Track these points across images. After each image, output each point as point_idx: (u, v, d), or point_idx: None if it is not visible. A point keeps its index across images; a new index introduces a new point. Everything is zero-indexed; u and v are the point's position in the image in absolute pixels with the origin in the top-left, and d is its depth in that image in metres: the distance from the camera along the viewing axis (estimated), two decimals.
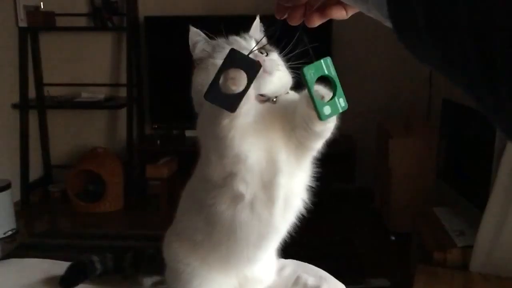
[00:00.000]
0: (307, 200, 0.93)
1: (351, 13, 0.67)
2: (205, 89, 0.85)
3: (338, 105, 0.74)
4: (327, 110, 0.73)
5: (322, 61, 0.72)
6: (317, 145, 0.88)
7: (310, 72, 0.71)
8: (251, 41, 0.92)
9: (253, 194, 0.86)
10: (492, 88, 0.38)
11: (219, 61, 0.87)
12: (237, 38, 0.93)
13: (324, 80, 0.75)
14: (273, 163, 0.85)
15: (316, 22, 0.67)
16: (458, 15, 0.40)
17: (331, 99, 0.75)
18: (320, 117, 0.73)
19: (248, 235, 0.90)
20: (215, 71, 0.85)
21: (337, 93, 0.74)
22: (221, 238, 0.91)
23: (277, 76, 0.88)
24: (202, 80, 0.89)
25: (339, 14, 0.66)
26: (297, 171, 0.89)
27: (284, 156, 0.86)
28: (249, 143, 0.82)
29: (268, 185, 0.86)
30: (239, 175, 0.84)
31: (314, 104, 0.72)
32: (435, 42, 0.43)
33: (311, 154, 0.90)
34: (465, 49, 0.39)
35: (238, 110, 0.76)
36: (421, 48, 0.46)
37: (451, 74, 0.44)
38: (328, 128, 0.84)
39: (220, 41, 0.93)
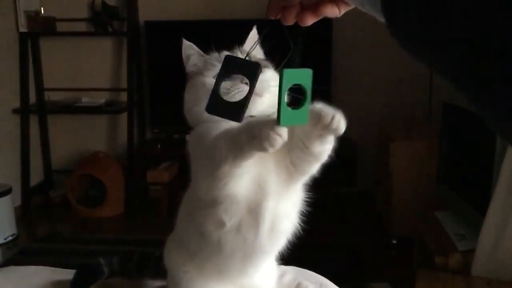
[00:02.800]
0: (297, 224, 0.92)
1: (343, 10, 0.66)
2: (200, 105, 0.83)
3: (299, 118, 0.69)
4: (288, 116, 0.68)
5: (304, 70, 0.68)
6: (313, 169, 0.84)
7: (289, 75, 0.67)
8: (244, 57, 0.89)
9: (239, 217, 0.85)
10: (485, 85, 0.38)
11: (208, 79, 0.86)
12: (227, 52, 0.90)
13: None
14: (262, 188, 0.84)
15: (309, 21, 0.66)
16: (452, 11, 0.39)
17: (295, 108, 0.69)
18: (280, 121, 0.67)
19: (234, 254, 0.90)
20: (204, 90, 0.82)
21: (305, 106, 0.68)
22: (212, 253, 0.91)
23: (267, 96, 0.85)
24: (191, 97, 0.88)
25: (332, 12, 0.66)
26: (286, 193, 0.87)
27: (273, 180, 0.84)
28: (240, 185, 0.81)
29: (255, 209, 0.85)
30: (223, 205, 0.83)
31: (279, 105, 0.66)
32: (429, 37, 0.43)
33: (304, 179, 0.87)
34: (459, 45, 0.39)
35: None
36: (414, 43, 0.46)
37: (444, 70, 0.44)
38: (326, 149, 0.81)
39: (213, 56, 0.90)
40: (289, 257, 1.04)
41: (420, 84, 3.52)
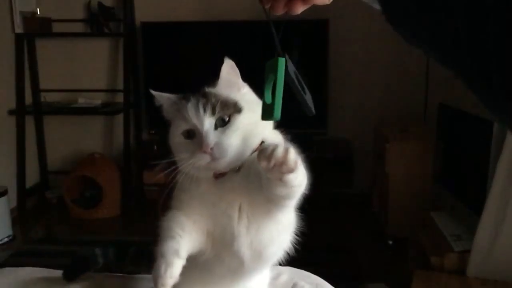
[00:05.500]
0: (289, 245, 0.88)
1: None
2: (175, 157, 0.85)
3: (274, 112, 0.65)
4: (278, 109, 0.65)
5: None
6: (290, 203, 0.80)
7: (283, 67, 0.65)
8: (205, 116, 0.80)
9: (217, 250, 0.84)
10: (482, 67, 0.38)
11: (177, 139, 0.86)
12: (190, 106, 0.82)
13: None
14: (227, 231, 0.81)
15: (299, 9, 0.66)
16: None
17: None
18: (274, 113, 0.64)
19: (223, 277, 0.90)
20: (174, 148, 0.85)
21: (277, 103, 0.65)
22: (201, 268, 0.90)
23: (234, 151, 0.78)
24: (170, 145, 0.87)
25: None
26: (267, 223, 0.83)
27: (243, 222, 0.81)
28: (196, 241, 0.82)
29: (230, 245, 0.82)
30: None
31: (275, 99, 0.64)
32: (426, 22, 0.43)
33: (284, 210, 0.81)
34: (456, 29, 0.39)
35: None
36: (410, 29, 0.46)
37: (440, 55, 0.44)
38: (294, 190, 0.74)
39: (180, 106, 0.85)
40: (285, 258, 1.04)
41: (415, 85, 3.53)
